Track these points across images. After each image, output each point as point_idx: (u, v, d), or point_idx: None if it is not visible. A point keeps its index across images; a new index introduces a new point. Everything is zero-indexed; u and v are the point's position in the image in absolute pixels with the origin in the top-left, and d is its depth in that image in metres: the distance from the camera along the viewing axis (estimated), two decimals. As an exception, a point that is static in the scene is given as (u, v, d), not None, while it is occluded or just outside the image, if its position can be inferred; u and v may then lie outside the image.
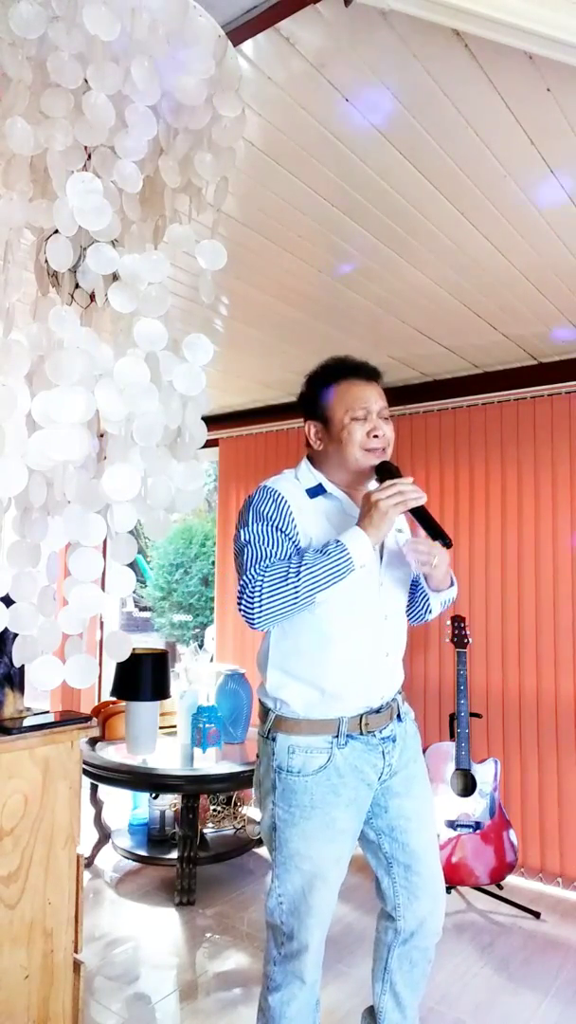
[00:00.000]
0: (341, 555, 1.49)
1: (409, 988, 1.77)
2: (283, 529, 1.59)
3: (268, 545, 1.57)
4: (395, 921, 1.74)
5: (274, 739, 1.64)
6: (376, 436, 1.64)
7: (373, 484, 1.64)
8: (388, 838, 1.71)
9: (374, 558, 1.64)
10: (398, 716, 1.72)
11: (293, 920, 1.62)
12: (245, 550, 1.58)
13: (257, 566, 1.53)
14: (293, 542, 1.59)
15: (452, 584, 1.79)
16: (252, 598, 1.49)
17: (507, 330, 2.93)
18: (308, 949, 1.62)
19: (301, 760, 1.60)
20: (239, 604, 1.52)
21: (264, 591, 1.49)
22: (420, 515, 1.57)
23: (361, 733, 1.63)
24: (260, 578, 1.50)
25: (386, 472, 1.61)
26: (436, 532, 1.58)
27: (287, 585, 1.48)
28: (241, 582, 1.53)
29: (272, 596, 1.48)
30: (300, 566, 1.49)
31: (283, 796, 1.60)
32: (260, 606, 1.49)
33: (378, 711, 1.65)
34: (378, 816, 1.70)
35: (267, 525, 1.59)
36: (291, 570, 1.49)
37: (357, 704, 1.63)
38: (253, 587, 1.50)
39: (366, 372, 1.70)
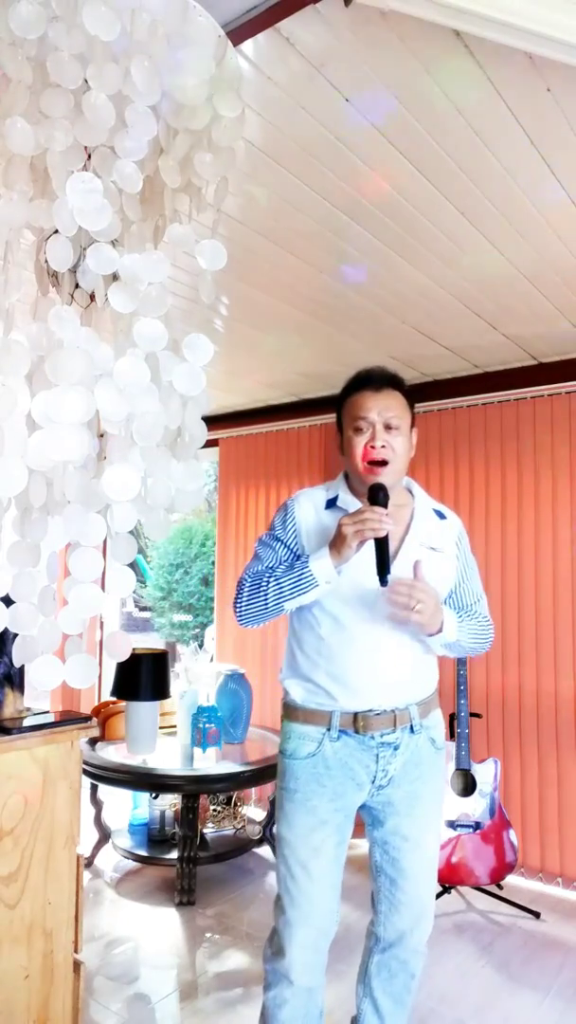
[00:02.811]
0: (303, 572, 1.59)
1: (389, 997, 1.76)
2: (283, 539, 1.72)
3: (265, 553, 1.73)
4: (376, 927, 1.76)
5: (282, 724, 1.74)
6: (373, 447, 1.62)
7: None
8: (380, 850, 1.72)
9: (363, 571, 1.60)
10: (411, 728, 1.67)
11: (278, 915, 1.64)
12: (254, 553, 1.77)
13: (249, 571, 1.72)
14: (292, 551, 1.71)
15: (445, 632, 1.63)
16: (237, 598, 1.69)
17: (507, 330, 2.93)
18: (291, 946, 1.61)
19: (294, 744, 1.67)
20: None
21: (245, 594, 1.67)
22: (378, 546, 1.53)
23: (356, 731, 1.62)
24: (247, 581, 1.68)
25: (372, 496, 1.57)
26: (380, 567, 1.53)
27: (260, 592, 1.65)
28: (238, 580, 1.72)
29: (249, 600, 1.66)
30: (271, 577, 1.64)
31: (279, 777, 1.70)
32: (241, 606, 1.68)
33: (377, 714, 1.63)
34: (375, 827, 1.72)
35: (271, 534, 1.75)
36: (264, 580, 1.65)
37: (350, 704, 1.63)
38: (240, 588, 1.69)
39: (375, 382, 1.66)
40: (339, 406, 1.73)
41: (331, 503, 1.71)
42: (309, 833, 1.62)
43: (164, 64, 1.25)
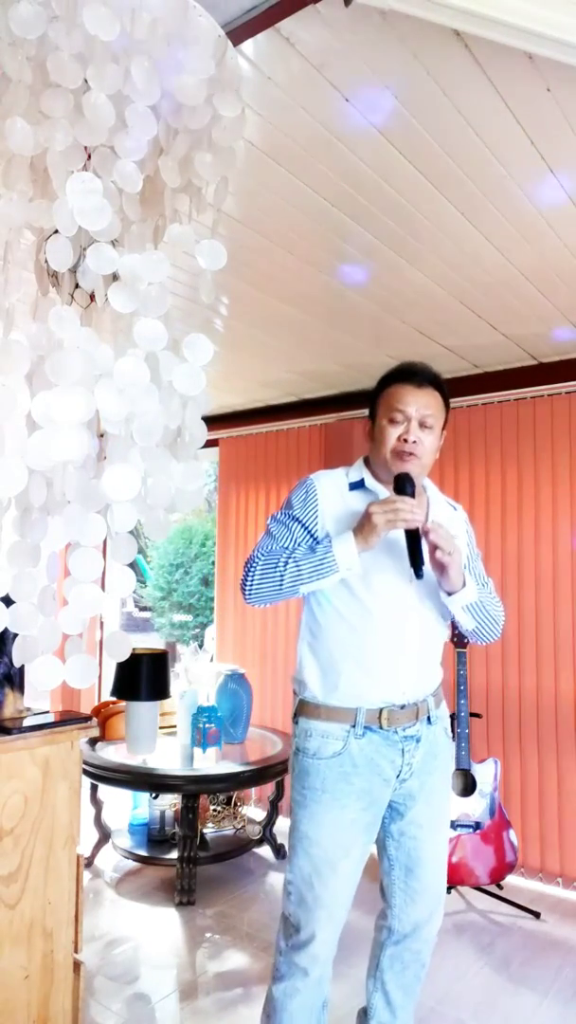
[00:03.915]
0: (326, 557, 1.56)
1: (401, 990, 1.76)
2: (301, 519, 1.67)
3: (280, 531, 1.68)
4: (390, 920, 1.75)
5: (296, 721, 1.70)
6: (406, 440, 1.63)
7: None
8: (395, 841, 1.71)
9: (389, 554, 1.62)
10: (428, 719, 1.70)
11: (300, 911, 1.63)
12: (267, 530, 1.72)
13: (262, 548, 1.66)
14: (310, 532, 1.67)
15: (467, 589, 1.65)
16: (247, 576, 1.63)
17: (507, 330, 2.93)
18: (315, 940, 1.62)
19: (317, 744, 1.63)
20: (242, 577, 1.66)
21: (257, 572, 1.61)
22: (409, 537, 1.56)
23: (381, 727, 1.62)
24: (260, 560, 1.63)
25: (399, 486, 1.59)
26: (414, 559, 1.55)
27: (276, 572, 1.60)
28: (247, 558, 1.65)
29: (262, 579, 1.61)
30: (290, 558, 1.59)
31: (299, 777, 1.66)
32: (251, 585, 1.62)
33: (402, 707, 1.64)
34: (393, 819, 1.71)
35: (288, 513, 1.70)
36: (282, 560, 1.60)
37: (374, 698, 1.63)
38: (251, 566, 1.63)
39: (418, 378, 1.68)
40: (376, 393, 1.73)
41: (356, 485, 1.70)
42: (339, 833, 1.60)
43: (164, 64, 1.25)
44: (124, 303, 1.28)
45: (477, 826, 2.89)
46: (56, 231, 1.25)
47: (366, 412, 1.83)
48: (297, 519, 1.68)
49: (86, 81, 1.18)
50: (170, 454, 1.39)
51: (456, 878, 2.85)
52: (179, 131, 1.35)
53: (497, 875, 2.87)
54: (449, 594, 1.65)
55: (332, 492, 1.69)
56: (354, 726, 1.62)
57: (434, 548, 1.57)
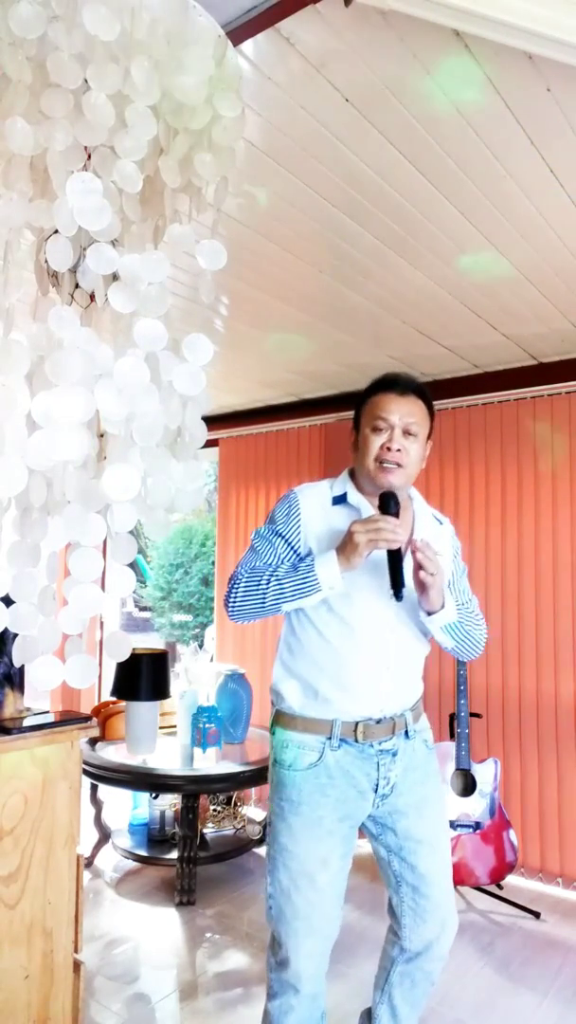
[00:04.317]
0: (308, 576, 1.55)
1: (408, 1004, 1.75)
2: (284, 535, 1.66)
3: (263, 547, 1.68)
4: (401, 940, 1.72)
5: (273, 732, 1.69)
6: (389, 449, 1.61)
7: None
8: (397, 858, 1.69)
9: (370, 572, 1.60)
10: (405, 733, 1.68)
11: (281, 926, 1.61)
12: (251, 545, 1.71)
13: (246, 565, 1.66)
14: (293, 548, 1.66)
15: (446, 611, 1.63)
16: (230, 593, 1.63)
17: (507, 330, 2.93)
18: (297, 957, 1.59)
19: (293, 755, 1.63)
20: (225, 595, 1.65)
21: (241, 590, 1.61)
22: (391, 558, 1.53)
23: (356, 740, 1.61)
24: (242, 577, 1.63)
25: (383, 505, 1.57)
26: (394, 580, 1.52)
27: (258, 590, 1.59)
28: (231, 574, 1.65)
29: (245, 597, 1.60)
30: (272, 576, 1.58)
31: (275, 789, 1.65)
32: (234, 602, 1.62)
33: (378, 722, 1.63)
34: (386, 835, 1.69)
35: (271, 528, 1.69)
36: (264, 578, 1.59)
37: (351, 711, 1.62)
38: (235, 583, 1.63)
39: (401, 386, 1.66)
40: (360, 404, 1.72)
41: (338, 500, 1.68)
42: (316, 844, 1.59)
43: (164, 64, 1.25)
44: (124, 303, 1.28)
45: (477, 826, 2.89)
46: (56, 231, 1.25)
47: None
48: (280, 535, 1.66)
49: (86, 81, 1.18)
50: (170, 454, 1.39)
51: (456, 878, 2.85)
52: (179, 131, 1.35)
53: (497, 875, 2.87)
54: (429, 613, 1.62)
55: (315, 507, 1.67)
56: (330, 738, 1.61)
57: (419, 567, 1.54)
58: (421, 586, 1.57)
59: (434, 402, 1.75)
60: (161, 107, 1.31)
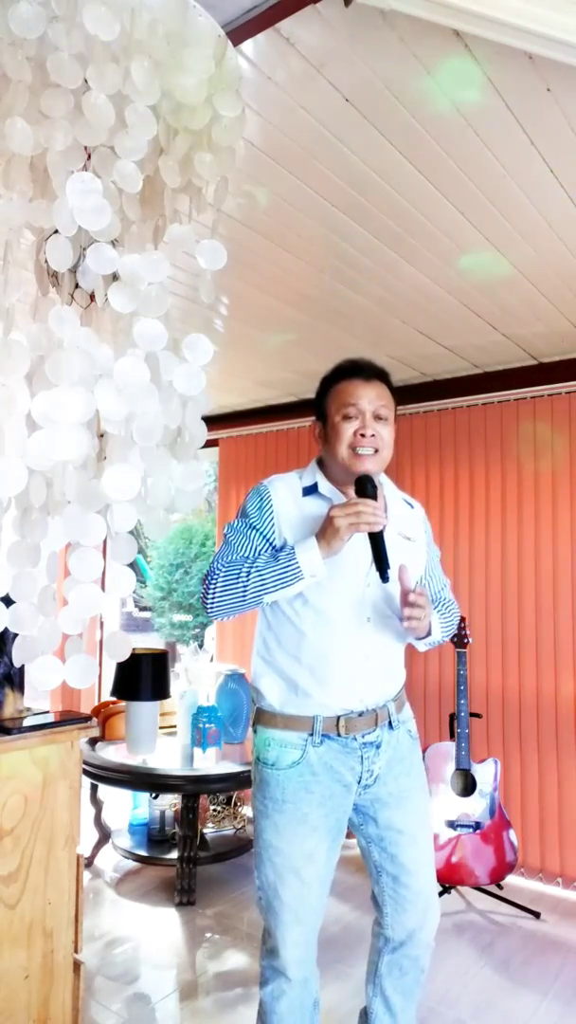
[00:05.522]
0: (290, 564, 1.52)
1: (400, 994, 1.76)
2: (258, 528, 1.64)
3: (238, 541, 1.64)
4: (384, 929, 1.74)
5: (256, 730, 1.68)
6: (363, 435, 1.60)
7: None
8: (377, 847, 1.70)
9: (365, 559, 1.59)
10: (389, 724, 1.67)
11: (270, 917, 1.63)
12: (224, 539, 1.68)
13: (222, 559, 1.62)
14: (268, 541, 1.63)
15: (432, 634, 1.67)
16: (208, 589, 1.59)
17: (507, 330, 2.93)
18: (285, 946, 1.61)
19: (276, 753, 1.62)
20: (201, 591, 1.62)
21: (218, 585, 1.57)
22: (373, 541, 1.52)
23: (339, 735, 1.61)
24: (219, 572, 1.58)
25: (360, 488, 1.56)
26: (379, 563, 1.51)
27: (237, 583, 1.55)
28: (206, 571, 1.62)
29: (223, 591, 1.56)
30: (251, 568, 1.55)
31: (259, 787, 1.64)
32: (212, 598, 1.58)
33: (360, 715, 1.62)
34: (367, 824, 1.70)
35: (245, 521, 1.66)
36: (243, 570, 1.56)
37: (332, 705, 1.61)
38: (212, 579, 1.58)
39: (365, 372, 1.65)
40: (323, 393, 1.69)
41: (309, 491, 1.66)
42: (301, 840, 1.59)
43: (164, 64, 1.25)
44: (124, 303, 1.28)
45: (477, 826, 2.89)
46: (56, 231, 1.25)
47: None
48: (254, 527, 1.64)
49: (86, 81, 1.18)
50: (170, 454, 1.40)
51: (456, 878, 2.85)
52: (179, 131, 1.35)
53: (497, 875, 2.87)
54: (418, 638, 1.66)
55: (287, 498, 1.65)
56: (312, 734, 1.60)
57: (409, 617, 1.55)
58: (411, 626, 1.58)
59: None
60: (161, 107, 1.31)
